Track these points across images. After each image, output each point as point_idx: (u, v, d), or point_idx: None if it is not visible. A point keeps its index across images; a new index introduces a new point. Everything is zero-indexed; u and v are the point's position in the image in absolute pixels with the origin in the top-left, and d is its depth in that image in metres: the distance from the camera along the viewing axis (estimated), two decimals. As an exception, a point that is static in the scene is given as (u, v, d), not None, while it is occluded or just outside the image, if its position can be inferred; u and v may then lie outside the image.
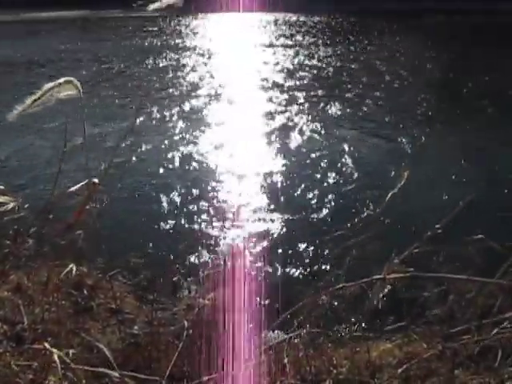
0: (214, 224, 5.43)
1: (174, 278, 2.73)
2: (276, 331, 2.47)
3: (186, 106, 11.19)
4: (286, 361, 2.12)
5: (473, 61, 16.64)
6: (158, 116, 10.26)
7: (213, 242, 4.91)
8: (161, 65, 17.15)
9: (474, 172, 6.97)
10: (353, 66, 16.38)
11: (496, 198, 5.87)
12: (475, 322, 1.92)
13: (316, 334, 2.26)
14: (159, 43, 23.04)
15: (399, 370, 2.01)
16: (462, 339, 1.90)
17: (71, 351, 1.52)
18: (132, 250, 2.88)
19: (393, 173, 6.54)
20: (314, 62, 17.34)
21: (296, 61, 17.50)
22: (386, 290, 2.13)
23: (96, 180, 2.26)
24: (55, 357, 1.40)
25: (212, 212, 5.73)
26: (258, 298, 3.11)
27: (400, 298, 2.19)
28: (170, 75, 15.01)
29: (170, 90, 12.91)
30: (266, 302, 2.69)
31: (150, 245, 4.58)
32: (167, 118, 10.12)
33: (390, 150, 8.19)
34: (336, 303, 2.24)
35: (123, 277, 2.62)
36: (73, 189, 1.85)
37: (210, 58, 18.53)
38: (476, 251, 2.13)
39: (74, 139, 1.88)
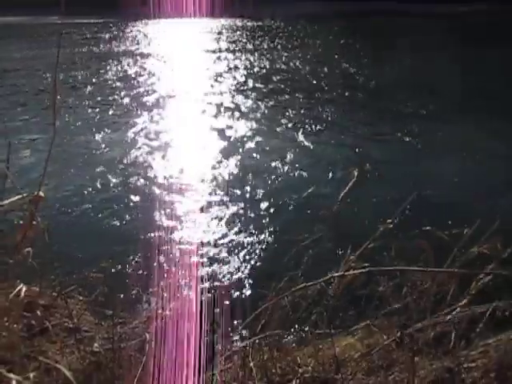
0: (171, 233, 5.36)
1: (133, 291, 2.66)
2: (240, 335, 2.48)
3: (146, 114, 11.02)
4: (251, 365, 2.12)
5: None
6: (113, 125, 10.06)
7: (171, 251, 4.84)
8: (123, 72, 16.68)
9: (417, 168, 7.32)
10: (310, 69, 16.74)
11: (440, 191, 6.19)
12: (429, 309, 2.01)
13: (280, 335, 2.28)
14: (115, 49, 22.44)
15: (362, 363, 2.07)
16: (418, 327, 1.98)
17: (31, 374, 1.44)
18: (86, 265, 2.79)
19: (341, 172, 6.74)
20: (265, 65, 17.57)
21: (249, 65, 17.68)
22: (344, 287, 2.20)
23: (41, 193, 2.17)
24: (13, 383, 1.33)
25: (167, 221, 5.66)
26: (220, 305, 3.10)
27: (358, 293, 2.25)
28: (136, 82, 14.69)
29: (143, 98, 12.64)
30: (228, 307, 2.69)
31: (105, 258, 4.45)
32: (120, 128, 9.92)
33: (339, 149, 8.43)
34: (297, 303, 2.27)
35: (79, 293, 2.52)
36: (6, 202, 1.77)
37: (165, 63, 18.35)
38: (426, 242, 2.23)
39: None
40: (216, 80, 14.99)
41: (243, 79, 15.06)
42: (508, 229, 2.24)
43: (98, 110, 11.37)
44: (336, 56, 18.97)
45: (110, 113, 11.15)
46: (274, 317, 2.30)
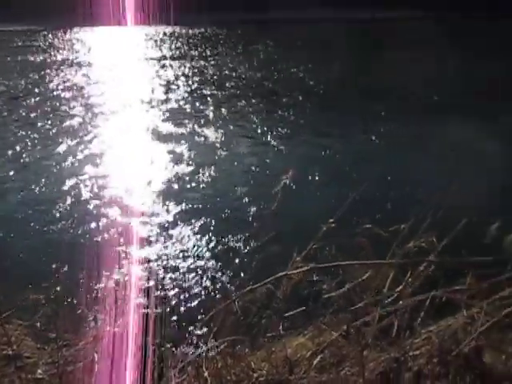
0: (114, 247, 5.20)
1: (78, 311, 2.55)
2: (192, 345, 2.45)
3: (90, 123, 10.63)
4: (206, 374, 2.10)
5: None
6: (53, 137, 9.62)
7: (115, 266, 4.70)
8: (67, 82, 15.91)
9: (357, 169, 7.61)
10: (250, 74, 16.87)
11: (379, 189, 6.46)
12: (372, 303, 2.09)
13: (232, 342, 2.28)
14: (53, 58, 21.41)
15: (314, 361, 2.11)
16: (363, 320, 2.06)
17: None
18: (25, 287, 2.64)
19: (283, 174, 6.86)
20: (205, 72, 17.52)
21: (188, 72, 17.53)
22: (292, 287, 2.23)
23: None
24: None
25: (109, 234, 5.49)
26: (169, 316, 3.05)
27: (306, 292, 2.30)
28: (84, 92, 14.08)
29: (95, 108, 12.12)
30: (178, 318, 2.64)
31: (46, 277, 4.24)
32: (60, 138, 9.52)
33: (277, 152, 8.58)
34: (247, 307, 2.28)
35: (18, 318, 2.38)
36: None
37: (110, 72, 17.86)
38: (366, 239, 2.32)
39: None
40: (169, 87, 14.80)
41: (197, 86, 15.00)
42: (441, 222, 2.37)
43: (50, 121, 10.82)
44: (281, 61, 19.39)
45: (65, 124, 10.66)
46: (225, 323, 2.29)
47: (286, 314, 2.32)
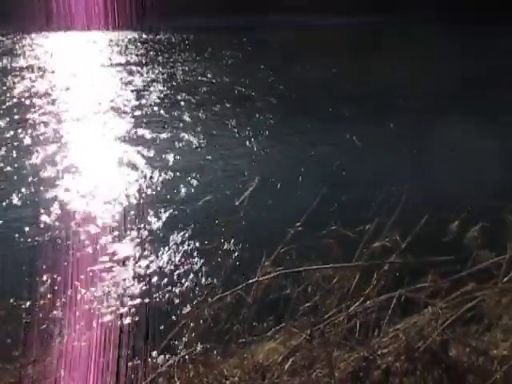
0: (80, 260, 5.08)
1: (43, 326, 2.47)
2: (163, 355, 2.42)
3: (50, 132, 10.33)
4: (177, 384, 2.08)
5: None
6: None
7: (81, 279, 4.58)
8: (32, 88, 15.34)
9: (320, 171, 7.73)
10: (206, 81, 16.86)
11: (345, 191, 6.58)
12: (341, 303, 2.13)
13: (204, 350, 2.26)
14: (14, 64, 20.63)
15: (286, 365, 2.12)
16: (332, 321, 2.09)
17: None
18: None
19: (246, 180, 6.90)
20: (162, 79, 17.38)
21: (148, 79, 17.34)
22: (262, 292, 2.24)
23: None
24: None
25: (77, 247, 5.36)
26: (138, 327, 2.99)
27: (276, 296, 2.32)
28: (51, 99, 13.65)
29: (65, 115, 11.75)
30: (148, 327, 2.60)
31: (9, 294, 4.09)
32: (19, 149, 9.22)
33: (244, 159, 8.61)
34: (218, 314, 2.27)
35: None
36: None
37: (76, 78, 17.39)
38: (334, 241, 2.36)
39: None
40: (140, 94, 14.61)
41: (169, 92, 14.88)
42: (403, 222, 2.44)
43: (18, 130, 10.44)
44: (249, 66, 19.52)
45: (35, 132, 10.32)
46: (196, 332, 2.28)
47: (257, 320, 2.32)
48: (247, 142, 9.60)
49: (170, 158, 8.54)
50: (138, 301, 4.11)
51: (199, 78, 17.42)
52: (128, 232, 5.69)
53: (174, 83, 16.51)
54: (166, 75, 18.09)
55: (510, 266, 2.26)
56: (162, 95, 14.47)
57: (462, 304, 2.10)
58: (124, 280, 4.55)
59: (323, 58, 21.44)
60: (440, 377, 1.93)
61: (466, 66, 18.54)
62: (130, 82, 16.55)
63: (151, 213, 6.13)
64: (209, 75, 17.93)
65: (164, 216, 6.07)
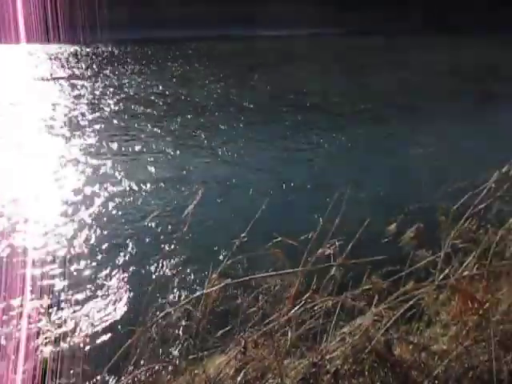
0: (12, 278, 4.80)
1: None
2: (110, 380, 2.33)
3: None
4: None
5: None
6: None
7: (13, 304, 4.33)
8: None
9: (266, 180, 7.82)
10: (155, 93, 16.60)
11: (287, 199, 6.69)
12: (287, 311, 2.15)
13: (152, 370, 2.21)
14: None
15: (238, 378, 2.11)
16: (280, 330, 2.11)
17: None
18: None
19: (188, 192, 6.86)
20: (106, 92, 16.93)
21: (96, 92, 16.81)
22: (210, 305, 2.22)
23: None
24: None
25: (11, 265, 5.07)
26: (83, 349, 2.86)
27: (225, 308, 2.31)
28: None
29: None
30: (92, 353, 2.49)
31: None
32: None
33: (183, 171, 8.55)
34: (166, 332, 2.22)
35: None
36: None
37: (15, 91, 16.41)
38: (280, 250, 2.39)
39: None
40: (94, 107, 14.10)
41: (125, 104, 14.48)
42: (346, 226, 2.51)
43: None
44: (198, 77, 19.49)
45: None
46: (143, 351, 2.22)
47: (207, 334, 2.30)
48: (204, 153, 9.56)
49: (133, 170, 8.36)
50: (80, 322, 3.94)
51: (153, 90, 17.18)
52: (71, 249, 5.46)
53: (127, 96, 16.18)
54: (116, 88, 17.66)
55: (445, 263, 2.39)
56: (118, 108, 14.14)
57: (402, 303, 2.19)
58: (63, 302, 4.36)
59: (272, 68, 21.92)
60: (386, 375, 1.99)
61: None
62: (81, 96, 15.99)
63: (98, 230, 5.93)
64: (161, 87, 17.73)
65: (110, 231, 5.89)
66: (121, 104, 14.69)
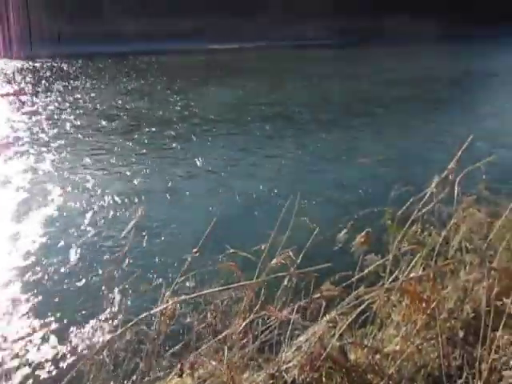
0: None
1: None
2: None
3: None
4: None
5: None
6: None
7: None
8: None
9: (212, 194, 7.80)
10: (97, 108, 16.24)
11: (237, 211, 6.69)
12: (245, 325, 2.14)
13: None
14: None
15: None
16: (237, 344, 2.09)
17: None
18: None
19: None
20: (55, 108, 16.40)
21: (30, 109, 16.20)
22: (164, 324, 2.17)
23: None
24: None
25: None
26: (29, 376, 2.70)
27: (179, 326, 2.26)
28: None
29: None
30: (40, 377, 2.36)
31: None
32: None
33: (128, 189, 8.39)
34: (118, 353, 2.15)
35: None
36: None
37: None
38: (234, 263, 2.38)
39: None
40: (52, 122, 13.58)
41: (89, 119, 14.05)
42: (297, 236, 2.54)
43: None
44: (154, 91, 19.32)
45: None
46: (94, 376, 2.13)
47: (162, 354, 2.24)
48: (176, 165, 9.43)
49: (94, 184, 8.09)
50: (26, 349, 3.74)
51: (111, 104, 16.83)
52: (13, 271, 5.19)
53: (87, 111, 15.77)
54: (72, 103, 17.15)
55: (394, 266, 2.46)
56: (80, 123, 13.74)
57: (355, 308, 2.23)
58: (9, 325, 4.12)
59: (226, 80, 22.06)
60: (342, 381, 2.02)
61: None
62: (37, 112, 15.38)
63: (38, 252, 5.68)
64: (119, 101, 17.41)
65: (55, 251, 5.66)
66: (83, 119, 14.37)
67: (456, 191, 2.36)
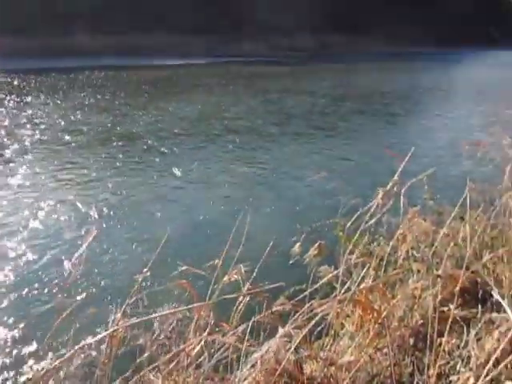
0: None
1: None
2: None
3: None
4: None
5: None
6: None
7: None
8: None
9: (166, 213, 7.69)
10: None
11: (189, 229, 6.61)
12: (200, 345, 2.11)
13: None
14: None
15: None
16: (192, 364, 2.05)
17: None
18: None
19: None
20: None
21: None
22: (115, 347, 2.10)
23: None
24: None
25: None
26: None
27: (131, 349, 2.20)
28: None
29: None
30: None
31: None
32: None
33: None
34: (62, 381, 2.05)
35: None
36: None
37: None
38: (187, 281, 2.34)
39: None
40: (11, 137, 12.96)
41: (51, 134, 13.46)
42: (251, 251, 2.54)
43: None
44: (113, 106, 18.95)
45: None
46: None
47: (113, 379, 2.16)
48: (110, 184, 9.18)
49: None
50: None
51: (70, 118, 16.30)
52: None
53: (48, 125, 15.19)
54: (29, 118, 16.45)
55: (346, 277, 2.50)
56: (40, 138, 13.20)
57: (310, 320, 2.24)
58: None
59: (181, 95, 22.01)
60: (298, 395, 2.02)
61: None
62: None
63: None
64: (79, 116, 16.92)
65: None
66: (43, 134, 13.86)
67: (402, 202, 2.45)
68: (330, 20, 56.92)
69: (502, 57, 55.58)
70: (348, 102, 21.02)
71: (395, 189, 2.32)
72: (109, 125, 15.60)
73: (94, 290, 3.04)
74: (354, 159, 11.38)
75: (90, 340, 2.07)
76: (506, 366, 1.44)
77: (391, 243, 2.52)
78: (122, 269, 4.79)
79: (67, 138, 13.57)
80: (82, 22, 47.65)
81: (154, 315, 2.16)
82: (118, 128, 15.02)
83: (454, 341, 1.87)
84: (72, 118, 16.73)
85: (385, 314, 2.16)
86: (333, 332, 2.49)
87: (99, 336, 2.12)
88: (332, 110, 19.17)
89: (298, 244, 2.90)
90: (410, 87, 26.92)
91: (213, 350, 2.18)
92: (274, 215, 6.86)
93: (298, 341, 2.05)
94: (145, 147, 12.61)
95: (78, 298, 2.23)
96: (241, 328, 2.24)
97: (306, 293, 2.34)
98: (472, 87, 28.55)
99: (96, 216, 7.25)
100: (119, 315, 2.21)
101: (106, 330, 2.15)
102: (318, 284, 2.50)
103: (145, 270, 2.20)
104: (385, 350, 2.14)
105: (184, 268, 2.38)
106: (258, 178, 9.70)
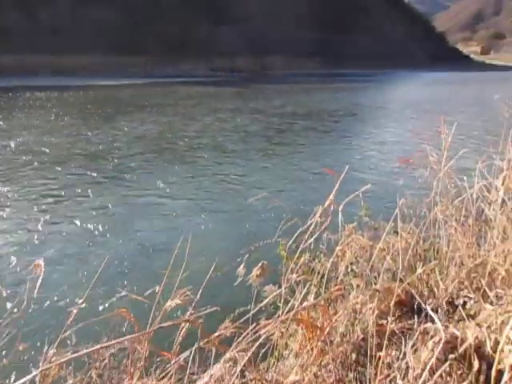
0: None
1: None
2: None
3: None
4: None
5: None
6: None
7: None
8: None
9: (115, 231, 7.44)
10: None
11: (131, 256, 6.42)
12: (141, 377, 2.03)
13: None
14: None
15: None
16: None
17: None
18: None
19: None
20: None
21: None
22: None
23: None
24: None
25: None
26: None
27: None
28: None
29: None
30: None
31: None
32: None
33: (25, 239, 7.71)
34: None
35: None
36: None
37: None
38: (126, 309, 2.25)
39: None
40: None
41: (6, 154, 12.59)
42: (193, 274, 2.50)
43: None
44: (66, 126, 18.28)
45: None
46: None
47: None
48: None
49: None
50: None
51: (22, 139, 15.40)
52: None
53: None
54: None
55: (289, 295, 2.52)
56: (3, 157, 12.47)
57: (254, 342, 2.23)
58: None
59: (131, 115, 21.56)
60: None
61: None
62: None
63: None
64: (32, 137, 16.09)
65: None
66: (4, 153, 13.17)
67: (340, 219, 2.52)
68: (270, 42, 58.63)
69: (426, 77, 59.84)
70: (300, 121, 21.76)
71: (332, 207, 2.38)
72: (66, 145, 15.10)
73: (29, 322, 2.81)
74: (300, 176, 11.66)
75: (20, 381, 1.93)
76: (440, 376, 1.50)
77: (331, 260, 2.57)
78: (59, 298, 4.52)
79: (23, 158, 12.92)
80: (17, 42, 45.98)
81: (84, 351, 2.05)
82: (75, 148, 14.54)
83: (393, 353, 1.92)
84: (20, 139, 15.93)
85: (327, 330, 2.19)
86: (277, 353, 2.49)
87: (29, 376, 1.98)
88: (286, 127, 19.71)
89: (242, 265, 2.89)
90: (352, 105, 28.27)
91: (153, 382, 2.10)
92: (219, 235, 6.82)
93: (242, 364, 2.02)
94: (106, 167, 12.28)
95: (6, 332, 2.07)
96: (183, 355, 2.18)
97: (250, 314, 2.33)
98: (404, 104, 30.40)
99: (41, 239, 6.87)
100: (53, 350, 2.09)
101: (37, 368, 2.01)
102: (262, 304, 2.50)
103: (80, 301, 2.09)
104: (329, 367, 2.16)
105: (123, 294, 2.30)
106: (205, 198, 9.66)
